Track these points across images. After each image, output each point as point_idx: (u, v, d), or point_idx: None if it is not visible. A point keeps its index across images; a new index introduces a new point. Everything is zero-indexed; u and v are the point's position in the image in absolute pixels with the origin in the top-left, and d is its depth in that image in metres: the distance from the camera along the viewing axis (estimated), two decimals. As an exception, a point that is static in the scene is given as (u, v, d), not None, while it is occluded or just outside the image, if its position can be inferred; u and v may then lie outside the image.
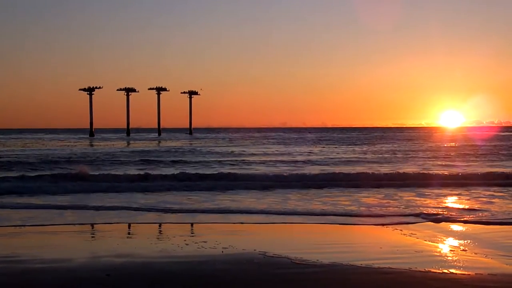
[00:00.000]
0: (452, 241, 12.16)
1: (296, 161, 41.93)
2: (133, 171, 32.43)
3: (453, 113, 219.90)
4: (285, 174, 28.81)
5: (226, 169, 33.11)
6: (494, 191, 21.61)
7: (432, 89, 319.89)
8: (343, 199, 19.53)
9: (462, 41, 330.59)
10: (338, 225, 14.56)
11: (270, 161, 42.43)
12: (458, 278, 8.85)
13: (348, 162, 41.17)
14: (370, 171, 29.97)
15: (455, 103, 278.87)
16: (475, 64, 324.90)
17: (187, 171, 29.84)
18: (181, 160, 43.50)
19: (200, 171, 30.57)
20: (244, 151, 58.56)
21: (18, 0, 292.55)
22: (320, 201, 19.09)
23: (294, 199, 19.68)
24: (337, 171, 29.65)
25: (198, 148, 63.98)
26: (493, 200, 19.00)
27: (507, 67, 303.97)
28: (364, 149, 62.10)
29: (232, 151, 57.25)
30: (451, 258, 10.50)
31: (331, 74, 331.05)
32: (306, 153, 53.62)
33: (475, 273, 9.13)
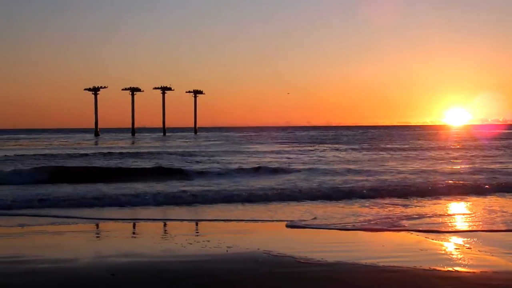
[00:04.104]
0: (457, 239, 12.12)
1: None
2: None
3: (458, 111, 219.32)
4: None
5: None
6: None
7: (436, 86, 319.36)
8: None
9: (467, 37, 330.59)
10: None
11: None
12: (463, 276, 8.82)
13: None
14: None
15: (459, 101, 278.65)
16: (480, 61, 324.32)
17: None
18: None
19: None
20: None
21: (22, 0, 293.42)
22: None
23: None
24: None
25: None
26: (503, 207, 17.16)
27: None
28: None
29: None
30: (455, 256, 10.47)
31: (334, 72, 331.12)
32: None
33: (480, 271, 9.09)
